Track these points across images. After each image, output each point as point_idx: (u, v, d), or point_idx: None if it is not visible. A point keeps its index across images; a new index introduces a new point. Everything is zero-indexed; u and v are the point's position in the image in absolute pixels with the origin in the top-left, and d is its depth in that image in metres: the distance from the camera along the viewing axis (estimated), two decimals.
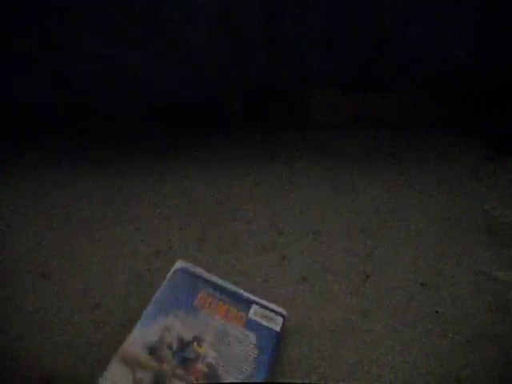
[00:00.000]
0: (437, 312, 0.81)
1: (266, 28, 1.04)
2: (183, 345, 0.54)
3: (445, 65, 1.11)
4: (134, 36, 1.02)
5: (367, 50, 1.07)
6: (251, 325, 0.61)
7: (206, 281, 0.66)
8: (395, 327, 0.78)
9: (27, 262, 0.93)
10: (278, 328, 0.64)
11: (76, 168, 1.27)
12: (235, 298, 0.65)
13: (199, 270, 0.67)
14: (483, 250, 0.96)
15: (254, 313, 0.64)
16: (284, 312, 0.67)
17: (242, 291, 0.66)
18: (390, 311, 0.81)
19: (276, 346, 0.63)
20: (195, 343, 0.55)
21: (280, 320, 0.66)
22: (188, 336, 0.55)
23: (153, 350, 0.51)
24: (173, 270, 0.65)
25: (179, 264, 0.66)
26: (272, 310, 0.66)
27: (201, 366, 0.53)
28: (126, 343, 0.52)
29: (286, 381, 0.67)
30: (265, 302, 0.66)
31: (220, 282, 0.66)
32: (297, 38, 1.05)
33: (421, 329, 0.78)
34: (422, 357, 0.73)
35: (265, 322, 0.64)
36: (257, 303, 0.65)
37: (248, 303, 0.65)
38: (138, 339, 0.52)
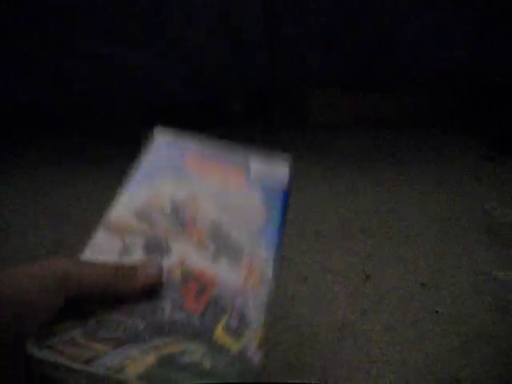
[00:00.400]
0: (437, 312, 0.81)
1: (266, 28, 1.04)
2: (177, 206, 0.45)
3: (445, 65, 1.11)
4: (134, 36, 1.02)
5: (367, 50, 1.07)
6: (253, 184, 0.50)
7: (194, 143, 0.53)
8: (395, 327, 0.78)
9: (27, 263, 0.93)
10: (284, 181, 0.52)
11: (76, 168, 1.27)
12: (229, 155, 0.52)
13: (184, 136, 0.54)
14: (483, 249, 0.96)
15: (255, 170, 0.52)
16: (288, 160, 0.54)
17: (235, 148, 0.54)
18: (389, 311, 0.81)
19: (285, 205, 0.51)
20: (191, 202, 0.46)
21: (285, 171, 0.53)
22: (181, 196, 0.45)
23: (142, 215, 0.43)
24: (154, 142, 0.53)
25: (159, 135, 0.54)
26: (274, 162, 0.54)
27: (201, 224, 0.43)
28: (112, 211, 0.43)
29: (286, 381, 0.67)
30: (264, 155, 0.54)
31: (210, 143, 0.53)
32: (297, 38, 1.05)
33: (421, 329, 0.78)
34: (422, 357, 0.73)
35: (268, 179, 0.52)
36: (255, 157, 0.53)
37: (245, 159, 0.52)
38: (124, 205, 0.43)
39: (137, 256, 0.39)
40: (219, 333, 0.35)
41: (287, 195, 0.53)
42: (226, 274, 0.40)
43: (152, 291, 0.36)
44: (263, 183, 0.50)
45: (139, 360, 0.30)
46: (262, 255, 0.43)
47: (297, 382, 0.67)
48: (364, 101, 1.45)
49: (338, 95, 1.44)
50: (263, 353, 0.32)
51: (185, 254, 0.41)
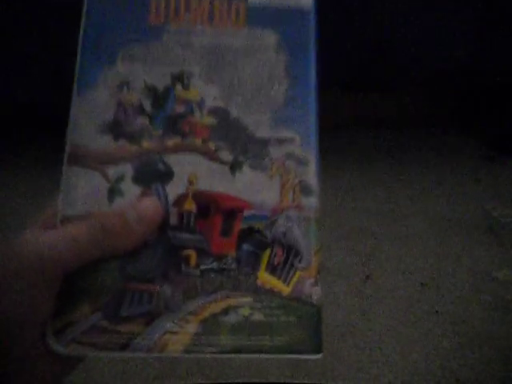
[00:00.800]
0: (437, 312, 0.81)
1: None
2: (159, 97, 0.29)
3: (445, 65, 1.11)
4: None
5: (367, 50, 1.07)
6: (258, 16, 0.26)
7: None
8: (395, 327, 0.78)
9: None
10: (308, 6, 0.26)
11: None
12: None
13: None
14: (483, 250, 0.96)
15: None
16: None
17: None
18: (390, 311, 0.81)
19: (315, 40, 0.26)
20: (178, 87, 0.28)
21: None
22: (162, 79, 0.28)
23: (115, 129, 0.27)
24: None
25: None
26: None
27: (200, 117, 0.28)
28: (72, 136, 0.30)
29: (286, 381, 0.67)
30: None
31: None
32: None
33: (421, 329, 0.78)
34: (422, 357, 0.73)
35: (281, 7, 0.26)
36: None
37: None
38: (86, 122, 0.28)
39: (131, 194, 0.25)
40: (263, 275, 0.24)
41: (317, 29, 0.29)
42: (253, 192, 0.25)
43: (161, 235, 0.24)
44: (275, 17, 0.27)
45: (180, 332, 0.24)
46: (296, 151, 0.26)
47: (297, 382, 0.67)
48: (364, 101, 1.45)
49: (338, 95, 1.44)
50: (321, 287, 0.25)
51: (192, 173, 0.25)
